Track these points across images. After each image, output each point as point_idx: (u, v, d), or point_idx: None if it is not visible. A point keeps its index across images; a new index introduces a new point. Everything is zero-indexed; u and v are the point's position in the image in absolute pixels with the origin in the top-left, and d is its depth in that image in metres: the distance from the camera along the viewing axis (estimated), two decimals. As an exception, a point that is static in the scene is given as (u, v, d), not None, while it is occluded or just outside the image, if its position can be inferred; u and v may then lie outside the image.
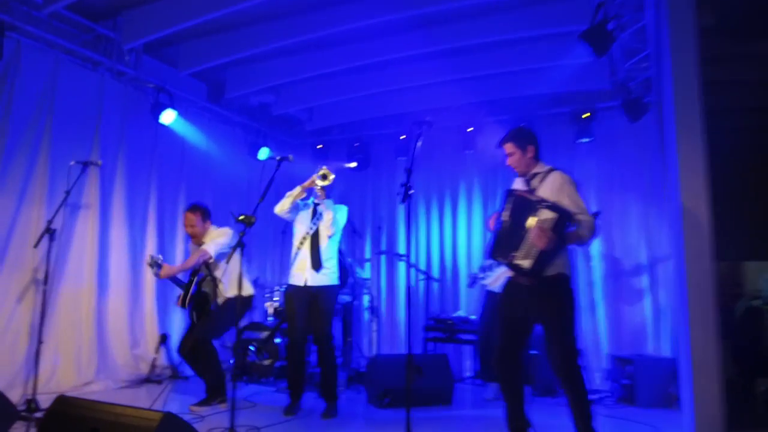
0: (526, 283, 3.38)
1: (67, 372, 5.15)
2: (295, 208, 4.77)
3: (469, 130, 6.98)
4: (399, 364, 4.93)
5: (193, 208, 4.89)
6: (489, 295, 5.59)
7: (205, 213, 4.92)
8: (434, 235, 7.40)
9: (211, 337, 4.59)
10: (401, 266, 7.49)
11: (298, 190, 4.66)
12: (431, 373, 5.11)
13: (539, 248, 3.20)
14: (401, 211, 7.65)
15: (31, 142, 5.13)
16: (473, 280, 5.87)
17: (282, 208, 4.68)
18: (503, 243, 3.40)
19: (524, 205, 3.33)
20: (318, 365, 4.73)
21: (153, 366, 5.88)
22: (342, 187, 8.08)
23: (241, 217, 3.63)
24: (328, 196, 4.71)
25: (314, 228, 4.71)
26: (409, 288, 3.89)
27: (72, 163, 4.60)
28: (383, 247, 7.48)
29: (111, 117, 5.86)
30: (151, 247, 6.20)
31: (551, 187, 3.40)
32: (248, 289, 4.77)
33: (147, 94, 6.19)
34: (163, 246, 6.37)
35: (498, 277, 5.23)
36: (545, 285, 3.31)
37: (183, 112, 6.56)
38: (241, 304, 4.65)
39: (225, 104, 7.23)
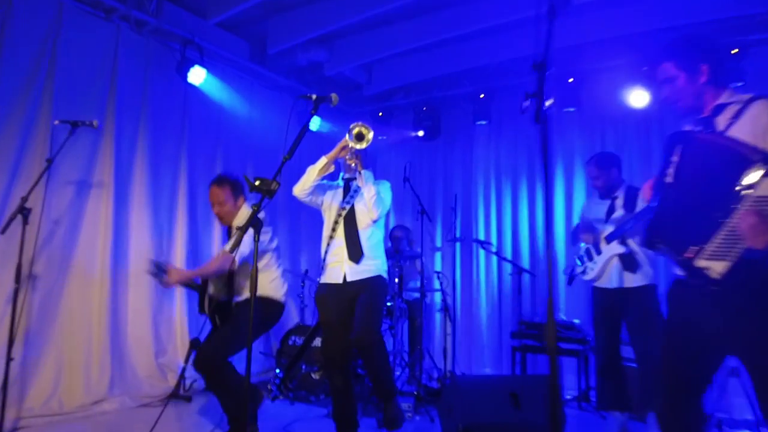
0: (711, 289, 2.00)
1: (73, 388, 4.19)
2: (320, 190, 3.56)
3: (569, 81, 5.48)
4: (487, 389, 3.64)
5: (221, 180, 3.71)
6: (596, 293, 4.14)
7: (235, 187, 3.72)
8: (523, 217, 5.99)
9: (226, 351, 3.44)
10: (482, 255, 6.13)
11: (323, 161, 3.44)
12: (530, 401, 3.77)
13: (747, 245, 1.84)
14: (480, 188, 6.28)
15: (25, 106, 4.15)
16: (571, 275, 4.44)
17: (303, 187, 3.47)
18: (670, 225, 2.06)
19: (719, 159, 1.96)
20: (367, 375, 3.48)
21: (182, 378, 4.85)
22: (407, 159, 6.84)
23: (257, 183, 2.43)
24: (366, 167, 3.47)
25: (348, 205, 3.51)
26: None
27: (56, 122, 3.55)
28: (458, 232, 6.14)
29: (129, 77, 4.84)
30: (181, 233, 5.18)
31: (756, 125, 2.00)
32: (274, 291, 3.60)
33: (173, 49, 5.13)
34: (196, 232, 5.33)
35: (604, 268, 3.85)
36: (751, 292, 1.94)
37: (219, 73, 5.49)
38: (265, 308, 3.51)
39: (270, 64, 6.09)
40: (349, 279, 3.40)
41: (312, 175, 3.46)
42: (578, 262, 4.11)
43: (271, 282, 3.60)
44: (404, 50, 5.78)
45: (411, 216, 6.15)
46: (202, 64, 5.11)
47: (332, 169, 3.54)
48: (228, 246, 3.40)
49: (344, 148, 3.42)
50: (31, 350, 4.06)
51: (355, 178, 3.60)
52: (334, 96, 2.85)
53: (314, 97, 2.73)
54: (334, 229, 3.51)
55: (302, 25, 5.45)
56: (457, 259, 6.10)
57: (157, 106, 5.05)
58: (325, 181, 3.59)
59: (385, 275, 3.53)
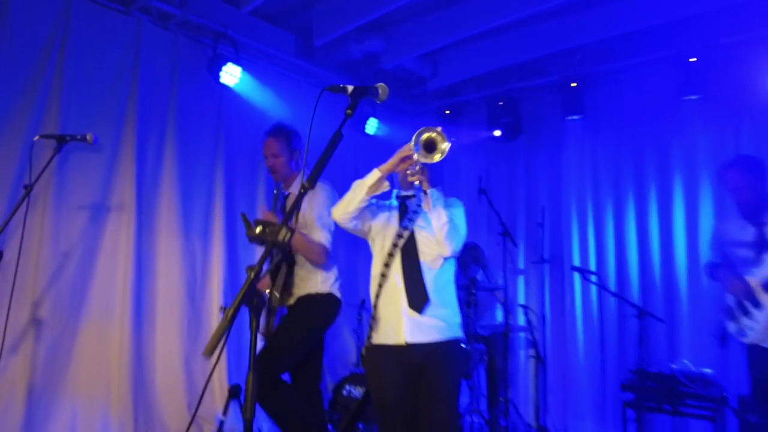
0: None
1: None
2: (369, 213, 2.66)
3: (691, 60, 4.29)
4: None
5: (277, 131, 3.18)
6: (760, 353, 2.99)
7: (293, 140, 3.18)
8: (630, 236, 4.82)
9: (277, 362, 2.86)
10: (577, 281, 5.03)
11: (375, 176, 2.52)
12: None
13: None
14: (573, 199, 5.17)
15: (27, 119, 3.50)
16: (723, 336, 3.29)
17: (345, 209, 2.58)
18: None
19: None
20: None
21: (220, 431, 4.09)
22: (480, 165, 5.82)
23: (259, 229, 1.68)
24: (434, 184, 2.54)
25: (408, 230, 2.60)
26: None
27: (36, 138, 2.83)
28: (545, 253, 5.06)
29: (152, 79, 4.13)
30: (218, 261, 4.42)
31: None
32: (330, 288, 3.09)
33: (204, 44, 4.38)
34: (236, 260, 4.55)
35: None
36: None
37: (257, 71, 4.69)
38: (322, 307, 3.06)
39: (317, 58, 5.25)
40: (410, 340, 2.47)
41: (359, 193, 2.56)
42: (732, 322, 3.01)
43: (324, 282, 3.08)
44: (475, 34, 4.77)
45: (487, 236, 5.13)
46: (237, 62, 4.32)
47: (386, 186, 2.63)
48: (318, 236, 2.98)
49: (405, 159, 2.51)
50: (36, 410, 3.40)
51: (413, 196, 2.67)
52: (381, 87, 1.93)
53: (350, 89, 1.84)
54: (387, 265, 2.60)
55: (353, 10, 4.56)
56: (545, 286, 5.02)
57: (187, 113, 4.31)
58: (374, 201, 2.69)
59: (461, 334, 2.58)
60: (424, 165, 2.51)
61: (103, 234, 3.81)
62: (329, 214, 2.82)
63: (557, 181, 5.25)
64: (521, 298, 5.30)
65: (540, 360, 4.35)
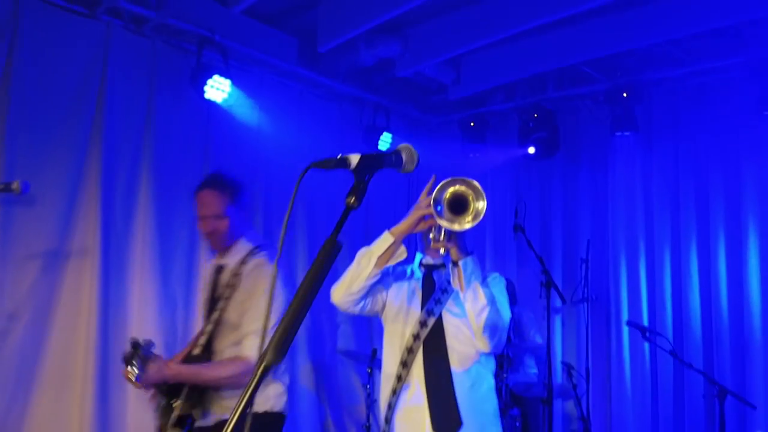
0: None
1: None
2: (382, 285, 2.02)
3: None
4: None
5: (220, 182, 2.32)
6: None
7: (234, 195, 2.32)
8: (692, 276, 4.05)
9: None
10: (625, 331, 4.27)
11: (387, 241, 1.91)
12: None
13: None
14: (621, 231, 4.41)
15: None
16: None
17: (348, 289, 1.93)
18: None
19: None
20: None
21: None
22: (509, 188, 5.07)
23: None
24: (469, 251, 1.91)
25: (433, 317, 1.96)
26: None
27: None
28: (588, 292, 4.31)
29: (123, 95, 3.46)
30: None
31: None
32: (278, 403, 2.21)
33: (188, 51, 3.70)
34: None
35: None
36: None
37: (251, 83, 4.00)
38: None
39: (323, 66, 4.54)
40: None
41: (366, 267, 1.89)
42: None
43: (276, 395, 2.22)
44: (505, 37, 4.05)
45: (516, 269, 4.40)
46: (226, 73, 3.63)
47: (403, 254, 1.95)
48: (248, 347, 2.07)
49: (425, 218, 1.84)
50: None
51: (443, 266, 1.98)
52: (405, 150, 1.22)
53: (354, 162, 1.11)
54: (405, 364, 1.91)
55: (364, 10, 3.85)
56: (586, 332, 4.26)
57: (166, 135, 3.63)
58: (392, 268, 2.00)
59: None
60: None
61: (60, 286, 3.15)
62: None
63: (602, 208, 4.50)
64: (557, 344, 4.56)
65: (587, 429, 3.62)
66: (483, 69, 4.71)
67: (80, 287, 3.22)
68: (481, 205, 1.74)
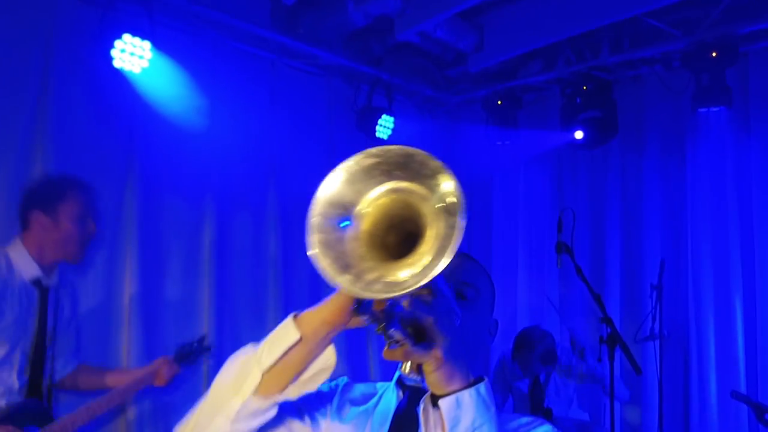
0: None
1: None
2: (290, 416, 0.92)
3: None
4: None
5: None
6: None
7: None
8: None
9: None
10: (712, 388, 3.07)
11: (287, 340, 0.82)
12: None
13: None
14: (707, 244, 3.20)
15: None
16: None
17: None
18: None
19: None
20: None
21: None
22: (548, 185, 3.89)
23: None
24: (462, 368, 0.80)
25: None
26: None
27: None
28: (659, 326, 3.11)
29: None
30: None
31: None
32: None
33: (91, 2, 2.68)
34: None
35: None
36: None
37: (194, 48, 2.98)
38: None
39: (300, 28, 3.47)
40: None
41: (233, 398, 0.78)
42: None
43: None
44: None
45: (570, 313, 3.23)
46: (147, 33, 2.59)
47: (329, 366, 0.84)
48: None
49: (363, 306, 0.72)
50: None
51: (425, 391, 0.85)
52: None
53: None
54: None
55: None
56: (659, 385, 3.07)
57: (69, 133, 2.62)
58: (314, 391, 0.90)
59: None
60: (424, 310, 0.72)
61: None
62: None
63: (679, 214, 3.30)
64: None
65: None
66: (513, 29, 3.60)
67: None
68: (451, 201, 0.66)
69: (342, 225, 0.73)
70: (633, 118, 3.51)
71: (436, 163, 0.70)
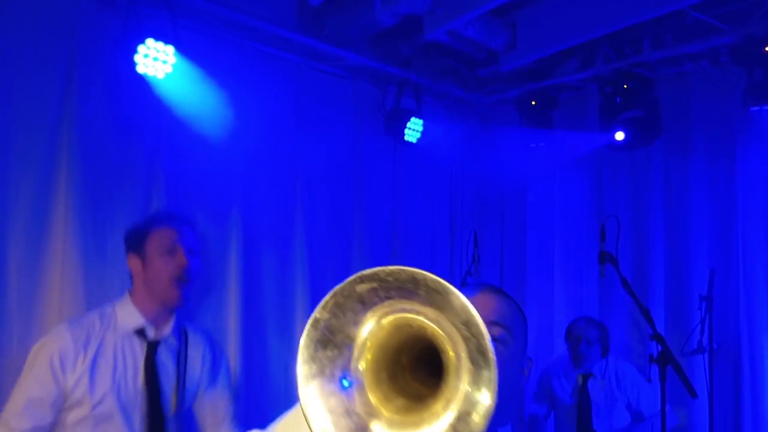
0: None
1: None
2: None
3: None
4: None
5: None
6: None
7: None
8: None
9: None
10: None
11: None
12: None
13: None
14: (758, 247, 2.99)
15: None
16: None
17: None
18: None
19: None
20: None
21: None
22: (587, 188, 3.71)
23: None
24: None
25: None
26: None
27: None
28: (708, 338, 2.92)
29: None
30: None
31: None
32: None
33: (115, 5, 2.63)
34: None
35: None
36: None
37: (226, 53, 2.91)
38: None
39: (325, 29, 3.39)
40: None
41: None
42: None
43: None
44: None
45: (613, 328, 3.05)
46: (170, 37, 2.53)
47: None
48: None
49: None
50: None
51: None
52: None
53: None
54: None
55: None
56: (709, 402, 2.88)
57: (93, 124, 2.57)
58: None
59: None
60: None
61: None
62: None
63: (729, 219, 3.09)
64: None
65: None
66: (547, 26, 3.42)
67: None
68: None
69: (344, 385, 0.60)
70: (677, 118, 3.30)
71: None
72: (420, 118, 3.63)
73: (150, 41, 2.45)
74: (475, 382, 0.52)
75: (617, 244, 2.27)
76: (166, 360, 1.75)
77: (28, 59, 2.43)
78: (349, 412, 0.56)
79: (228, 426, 1.85)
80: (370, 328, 0.60)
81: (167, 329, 1.77)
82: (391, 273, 0.57)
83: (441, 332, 0.55)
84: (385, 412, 0.58)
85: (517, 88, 3.91)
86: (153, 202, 2.76)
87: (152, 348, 1.72)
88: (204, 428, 1.87)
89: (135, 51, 2.45)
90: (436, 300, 0.54)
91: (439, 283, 0.54)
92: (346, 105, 3.63)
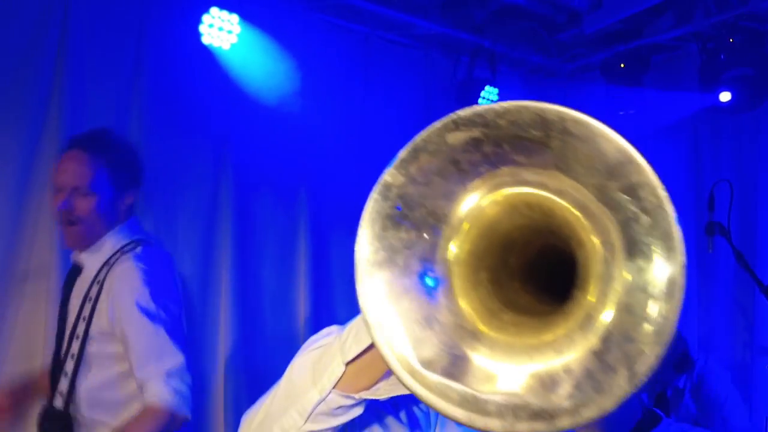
0: None
1: None
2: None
3: None
4: None
5: (84, 139, 1.64)
6: None
7: (114, 164, 1.60)
8: None
9: None
10: None
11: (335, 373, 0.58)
12: None
13: None
14: None
15: None
16: None
17: None
18: None
19: None
20: None
21: None
22: (682, 162, 3.34)
23: None
24: None
25: None
26: None
27: None
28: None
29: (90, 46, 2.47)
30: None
31: None
32: None
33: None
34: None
35: None
36: None
37: (290, 25, 2.85)
38: None
39: (400, 1, 3.23)
40: None
41: (309, 398, 0.66)
42: None
43: None
44: None
45: (712, 310, 2.73)
46: (237, 5, 2.48)
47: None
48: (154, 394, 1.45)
49: None
50: None
51: None
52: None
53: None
54: None
55: None
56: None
57: (158, 102, 2.59)
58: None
59: None
60: None
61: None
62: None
63: None
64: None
65: None
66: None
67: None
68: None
69: (426, 283, 0.41)
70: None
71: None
72: (495, 86, 3.41)
73: (214, 10, 2.41)
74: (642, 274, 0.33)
75: (729, 214, 1.97)
76: (78, 292, 1.62)
77: (98, 40, 2.46)
78: (430, 321, 0.38)
79: (156, 369, 1.50)
80: (469, 205, 0.41)
81: (88, 262, 1.62)
82: (505, 112, 0.37)
83: (581, 216, 0.36)
84: (482, 327, 0.40)
85: (603, 52, 3.59)
86: (221, 182, 2.76)
87: (71, 278, 1.66)
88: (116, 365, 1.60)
89: (200, 21, 2.42)
90: (579, 157, 0.34)
91: (586, 123, 0.34)
92: (417, 76, 3.48)
